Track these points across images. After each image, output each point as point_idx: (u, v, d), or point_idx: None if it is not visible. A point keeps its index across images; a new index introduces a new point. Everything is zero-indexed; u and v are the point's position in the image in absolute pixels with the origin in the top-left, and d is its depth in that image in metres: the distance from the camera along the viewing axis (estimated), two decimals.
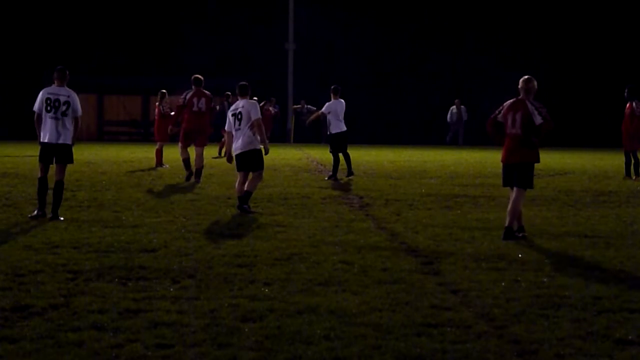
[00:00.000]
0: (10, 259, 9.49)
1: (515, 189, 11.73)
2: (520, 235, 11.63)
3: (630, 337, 6.78)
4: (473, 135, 40.90)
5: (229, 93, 29.76)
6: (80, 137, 43.31)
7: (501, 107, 11.97)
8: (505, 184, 12.02)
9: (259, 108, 14.36)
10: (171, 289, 8.21)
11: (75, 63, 44.35)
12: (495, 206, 15.24)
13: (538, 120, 11.60)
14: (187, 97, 19.29)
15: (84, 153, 26.62)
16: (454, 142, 41.40)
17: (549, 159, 26.35)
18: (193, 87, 19.44)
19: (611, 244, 11.30)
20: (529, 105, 11.67)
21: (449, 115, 41.83)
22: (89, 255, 9.85)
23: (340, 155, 20.25)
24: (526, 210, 14.75)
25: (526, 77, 11.91)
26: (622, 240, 11.65)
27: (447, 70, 46.41)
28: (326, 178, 19.76)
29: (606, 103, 40.97)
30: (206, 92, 19.54)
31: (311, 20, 44.93)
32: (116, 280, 8.59)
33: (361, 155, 29.24)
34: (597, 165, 26.03)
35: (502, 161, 11.99)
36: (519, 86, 11.88)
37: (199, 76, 19.74)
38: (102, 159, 25.37)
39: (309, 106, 36.70)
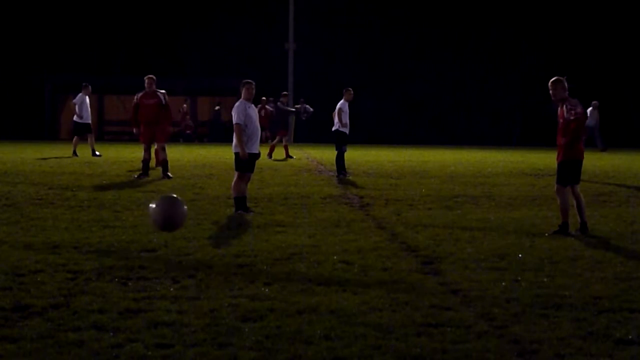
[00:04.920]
0: (10, 259, 9.48)
1: (577, 185, 12.29)
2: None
3: (630, 337, 6.77)
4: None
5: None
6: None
7: (575, 107, 12.15)
8: (569, 182, 12.29)
9: (237, 111, 13.88)
10: (171, 289, 8.21)
11: (75, 63, 44.43)
12: (495, 206, 15.24)
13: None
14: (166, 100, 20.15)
15: (84, 153, 26.63)
16: (589, 144, 38.13)
17: (549, 159, 26.33)
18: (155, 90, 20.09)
19: (611, 244, 11.30)
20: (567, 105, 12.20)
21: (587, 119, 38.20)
22: (89, 255, 9.85)
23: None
24: (526, 210, 14.77)
25: (562, 78, 12.22)
26: (622, 240, 11.65)
27: (447, 70, 46.40)
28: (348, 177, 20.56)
29: (605, 103, 40.97)
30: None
31: (311, 20, 44.93)
32: (116, 280, 8.58)
33: (361, 155, 29.26)
34: (597, 165, 26.04)
35: (580, 158, 12.28)
36: (567, 86, 12.20)
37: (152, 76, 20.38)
38: (102, 159, 25.36)
39: (306, 106, 36.73)
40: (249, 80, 14.08)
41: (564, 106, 12.11)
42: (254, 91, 14.05)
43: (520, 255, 10.21)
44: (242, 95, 13.98)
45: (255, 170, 14.48)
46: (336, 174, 20.77)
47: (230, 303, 7.67)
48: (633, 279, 8.95)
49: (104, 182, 18.25)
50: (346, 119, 20.98)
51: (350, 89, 21.44)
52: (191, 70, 44.16)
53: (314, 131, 39.73)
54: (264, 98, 36.88)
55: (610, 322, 7.19)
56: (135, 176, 19.30)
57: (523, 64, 46.04)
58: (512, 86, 46.34)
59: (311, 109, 36.75)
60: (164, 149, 19.62)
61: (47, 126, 44.92)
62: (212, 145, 36.76)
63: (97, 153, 26.36)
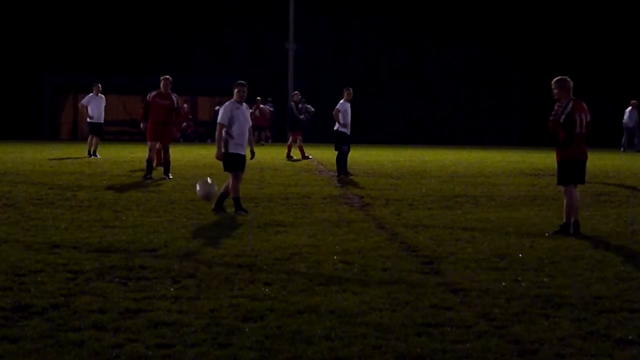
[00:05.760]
0: (11, 259, 9.49)
1: (576, 186, 12.20)
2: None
3: (630, 337, 6.78)
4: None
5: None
6: (80, 136, 43.27)
7: (561, 108, 11.96)
8: (570, 182, 12.16)
9: (223, 111, 13.89)
10: (171, 289, 8.21)
11: (76, 63, 44.42)
12: (495, 206, 15.24)
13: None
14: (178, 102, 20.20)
15: (84, 153, 26.62)
16: (630, 146, 36.17)
17: (549, 159, 26.33)
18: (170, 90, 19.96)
19: (611, 244, 11.30)
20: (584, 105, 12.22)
21: (626, 118, 35.91)
22: (89, 255, 9.85)
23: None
24: (526, 210, 14.77)
25: (566, 77, 12.09)
26: (622, 240, 11.65)
27: (448, 69, 46.37)
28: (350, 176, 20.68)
29: (606, 103, 40.94)
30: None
31: (311, 20, 44.91)
32: (116, 280, 8.59)
33: (361, 155, 29.26)
34: (597, 165, 26.02)
35: (576, 158, 12.11)
36: (570, 86, 12.10)
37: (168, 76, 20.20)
38: (102, 159, 25.36)
39: (307, 106, 36.77)
40: (242, 82, 14.03)
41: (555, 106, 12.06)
42: (245, 94, 13.97)
43: (520, 255, 10.21)
44: (233, 96, 13.97)
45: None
46: (336, 174, 20.77)
47: (230, 303, 7.67)
48: (633, 279, 8.95)
49: (104, 182, 18.25)
50: (346, 119, 20.90)
51: (350, 88, 21.41)
52: (191, 70, 44.15)
53: (314, 131, 39.74)
54: (258, 98, 36.87)
55: (610, 322, 7.19)
56: (143, 177, 19.09)
57: (524, 64, 46.02)
58: (513, 86, 46.32)
59: (312, 109, 36.81)
60: (168, 151, 19.64)
61: (47, 126, 44.93)
62: (212, 145, 36.75)
63: (96, 155, 26.30)
